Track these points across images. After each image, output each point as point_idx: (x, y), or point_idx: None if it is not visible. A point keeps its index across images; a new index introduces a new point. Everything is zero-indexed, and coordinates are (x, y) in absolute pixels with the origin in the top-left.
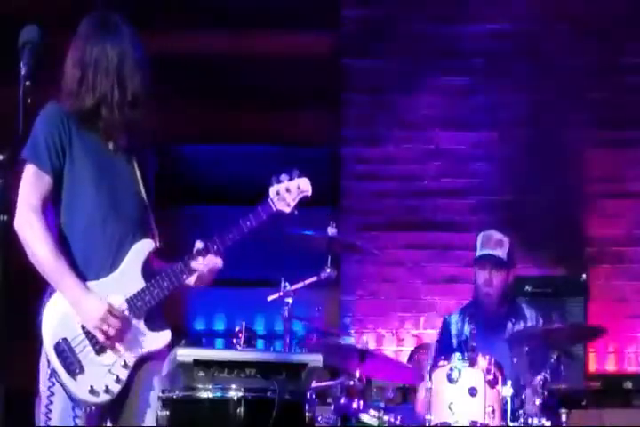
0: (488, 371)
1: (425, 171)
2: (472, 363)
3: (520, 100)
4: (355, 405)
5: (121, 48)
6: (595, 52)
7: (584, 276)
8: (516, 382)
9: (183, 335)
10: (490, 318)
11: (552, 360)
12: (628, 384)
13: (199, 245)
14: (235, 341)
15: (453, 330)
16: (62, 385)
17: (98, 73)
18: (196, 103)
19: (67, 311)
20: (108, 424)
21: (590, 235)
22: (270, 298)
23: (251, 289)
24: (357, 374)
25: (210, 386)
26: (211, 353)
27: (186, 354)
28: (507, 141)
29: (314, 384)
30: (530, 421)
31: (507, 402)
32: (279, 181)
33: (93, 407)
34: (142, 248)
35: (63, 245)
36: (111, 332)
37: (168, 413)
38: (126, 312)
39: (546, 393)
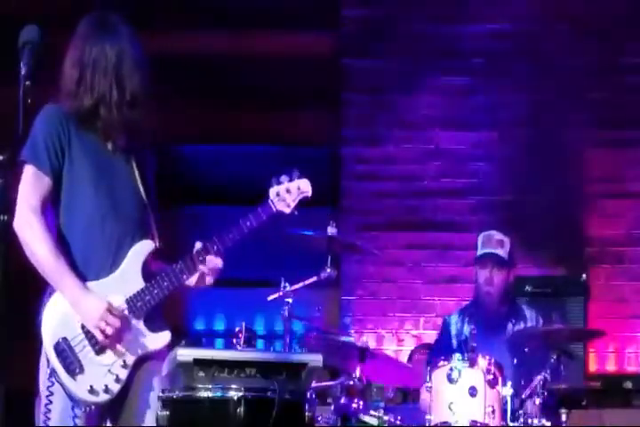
0: (488, 371)
1: (425, 171)
2: (472, 363)
3: (520, 100)
4: (355, 405)
5: (119, 48)
6: (595, 52)
7: (584, 276)
8: (516, 383)
9: (183, 335)
10: (490, 317)
11: (552, 360)
12: (628, 384)
13: (199, 245)
14: (235, 341)
15: (453, 330)
16: (62, 385)
17: (96, 73)
18: (196, 103)
19: (67, 311)
20: (108, 424)
21: (590, 235)
22: (270, 298)
23: (251, 289)
24: (357, 374)
25: (210, 386)
26: (211, 353)
27: (186, 354)
28: (507, 141)
29: (314, 384)
30: (530, 421)
31: (507, 402)
32: (279, 182)
33: (93, 407)
34: (142, 249)
35: (63, 245)
36: (110, 331)
37: (168, 413)
38: (126, 312)
39: (546, 393)
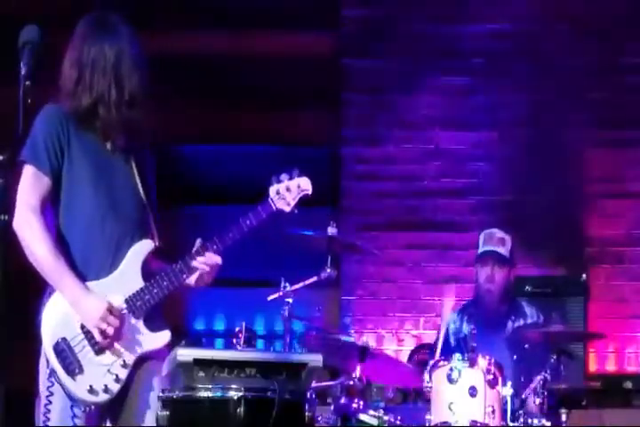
0: (488, 371)
1: (425, 171)
2: (472, 363)
3: (520, 100)
4: (355, 405)
5: (118, 47)
6: (595, 52)
7: (584, 276)
8: (516, 382)
9: (183, 335)
10: (490, 316)
11: (552, 360)
12: (628, 384)
13: (199, 243)
14: (235, 341)
15: (451, 329)
16: (61, 385)
17: (95, 73)
18: (196, 103)
19: (66, 311)
20: (108, 424)
21: (590, 235)
22: (270, 298)
23: (251, 289)
24: (357, 374)
25: (210, 386)
26: (211, 353)
27: (186, 354)
28: (507, 141)
29: (314, 384)
30: (530, 421)
31: (507, 402)
32: (279, 181)
33: (92, 407)
34: (141, 248)
35: (62, 245)
36: (110, 331)
37: (168, 413)
38: (125, 312)
39: (546, 393)
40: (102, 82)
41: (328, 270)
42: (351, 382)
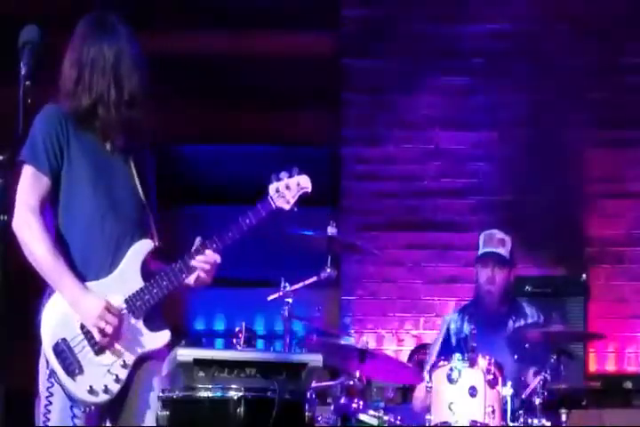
0: (488, 371)
1: (425, 171)
2: (472, 363)
3: (520, 100)
4: (355, 405)
5: (118, 48)
6: (595, 52)
7: (584, 276)
8: (516, 380)
9: (183, 335)
10: (490, 316)
11: (552, 360)
12: (628, 384)
13: (199, 242)
14: (235, 341)
15: (452, 329)
16: (61, 385)
17: (94, 73)
18: (196, 103)
19: (66, 311)
20: (108, 424)
21: (590, 235)
22: (270, 298)
23: (251, 289)
24: (357, 374)
25: (210, 386)
26: (211, 353)
27: (186, 354)
28: (507, 141)
29: (314, 384)
30: (530, 421)
31: (507, 402)
32: (279, 179)
33: (92, 407)
34: (141, 248)
35: (62, 245)
36: (109, 329)
37: (168, 413)
38: (125, 312)
39: (546, 393)
40: (102, 82)
41: (328, 270)
42: (351, 382)
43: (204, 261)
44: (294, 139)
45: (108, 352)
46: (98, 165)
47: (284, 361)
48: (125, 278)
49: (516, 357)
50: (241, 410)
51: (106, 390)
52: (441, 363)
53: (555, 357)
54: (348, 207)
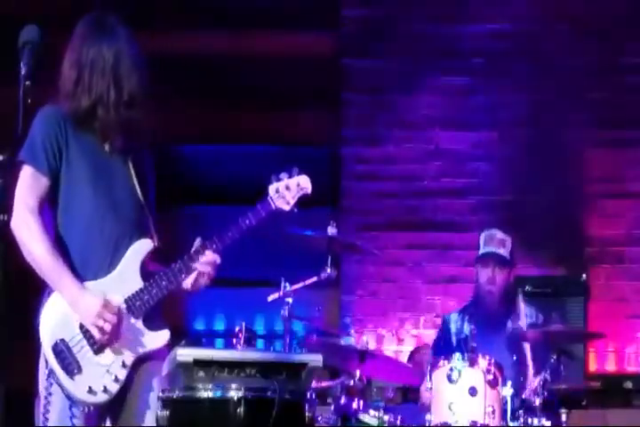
0: (488, 371)
1: (425, 171)
2: (472, 363)
3: (520, 100)
4: (355, 405)
5: (117, 48)
6: (595, 52)
7: (584, 276)
8: (516, 380)
9: (183, 335)
10: (490, 316)
11: (552, 360)
12: (628, 384)
13: (199, 243)
14: (235, 341)
15: (453, 328)
16: (60, 385)
17: (94, 74)
18: (196, 103)
19: (65, 311)
20: (108, 424)
21: (590, 235)
22: (270, 298)
23: (251, 289)
24: (357, 374)
25: (210, 386)
26: (211, 353)
27: (186, 354)
28: (507, 141)
29: (314, 384)
30: (530, 421)
31: (507, 402)
32: (278, 179)
33: (91, 407)
34: (140, 248)
35: (61, 245)
36: (107, 327)
37: (168, 413)
38: (124, 311)
39: (546, 393)
40: (101, 83)
41: (328, 270)
42: (351, 382)
43: (205, 262)
44: (294, 139)
45: (107, 352)
46: (97, 165)
47: (284, 361)
48: (125, 279)
49: (514, 357)
50: (241, 410)
51: (105, 390)
52: (441, 363)
53: (555, 357)
54: (348, 207)
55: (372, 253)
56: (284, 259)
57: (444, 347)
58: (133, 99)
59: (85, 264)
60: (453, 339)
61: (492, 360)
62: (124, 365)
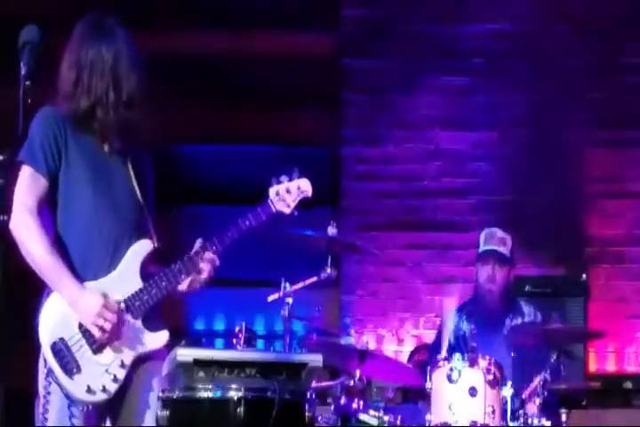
0: (488, 371)
1: (425, 171)
2: (472, 363)
3: (520, 100)
4: (355, 405)
5: (116, 49)
6: (595, 52)
7: (584, 276)
8: (515, 380)
9: (183, 335)
10: (489, 315)
11: (552, 360)
12: (628, 384)
13: (199, 244)
14: (235, 341)
15: (450, 326)
16: (59, 385)
17: (93, 75)
18: (196, 103)
19: (64, 311)
20: (108, 424)
21: (590, 235)
22: (270, 298)
23: (251, 289)
24: (357, 374)
25: (210, 386)
26: (211, 353)
27: (186, 354)
28: (507, 141)
29: (314, 384)
30: (530, 421)
31: (507, 402)
32: (279, 182)
33: (90, 407)
34: (140, 249)
35: (61, 246)
36: (107, 326)
37: (168, 413)
38: (124, 312)
39: (546, 393)
40: (100, 84)
41: (328, 270)
42: (351, 382)
43: (207, 261)
44: (294, 139)
45: (106, 352)
46: (96, 166)
47: (284, 361)
48: (124, 279)
49: (513, 354)
50: (241, 410)
51: (104, 390)
52: (441, 363)
53: (555, 357)
54: (348, 207)
55: (371, 253)
56: (284, 259)
57: (441, 345)
58: (132, 99)
59: (85, 264)
60: (451, 336)
61: (492, 360)
62: (122, 364)
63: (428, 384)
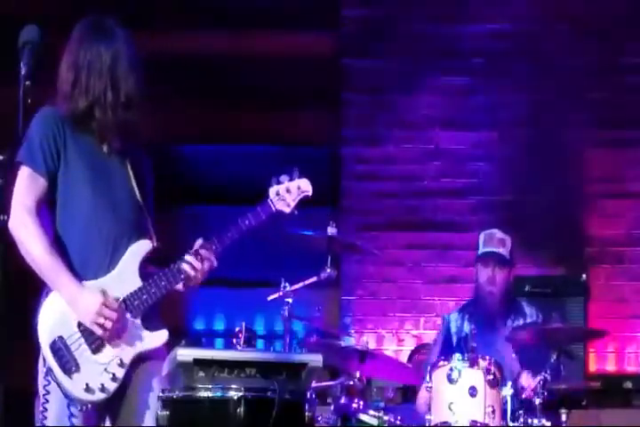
0: (488, 371)
1: (425, 171)
2: (472, 363)
3: (520, 100)
4: (355, 405)
5: (115, 50)
6: (595, 52)
7: (584, 276)
8: (515, 382)
9: (183, 335)
10: (490, 316)
11: (552, 360)
12: (628, 384)
13: (199, 243)
14: (235, 341)
15: (453, 328)
16: (58, 384)
17: (91, 75)
18: (196, 103)
19: (63, 310)
20: (108, 424)
21: (590, 235)
22: (270, 298)
23: (251, 289)
24: (357, 374)
25: (210, 386)
26: (211, 353)
27: (186, 354)
28: (507, 141)
29: (314, 384)
30: (530, 421)
31: (507, 402)
32: (279, 182)
33: (89, 406)
34: (139, 249)
35: (60, 245)
36: (108, 324)
37: (168, 413)
38: (123, 311)
39: (546, 393)
40: (98, 84)
41: (328, 270)
42: (351, 382)
43: (203, 260)
44: (294, 139)
45: (105, 351)
46: (95, 166)
47: (284, 361)
48: (123, 278)
49: (513, 355)
50: (241, 410)
51: (102, 389)
52: (441, 363)
53: (555, 357)
54: (348, 207)
55: (372, 253)
56: (284, 259)
57: (444, 347)
58: (130, 100)
59: (85, 264)
60: (453, 338)
61: (492, 360)
62: (121, 363)
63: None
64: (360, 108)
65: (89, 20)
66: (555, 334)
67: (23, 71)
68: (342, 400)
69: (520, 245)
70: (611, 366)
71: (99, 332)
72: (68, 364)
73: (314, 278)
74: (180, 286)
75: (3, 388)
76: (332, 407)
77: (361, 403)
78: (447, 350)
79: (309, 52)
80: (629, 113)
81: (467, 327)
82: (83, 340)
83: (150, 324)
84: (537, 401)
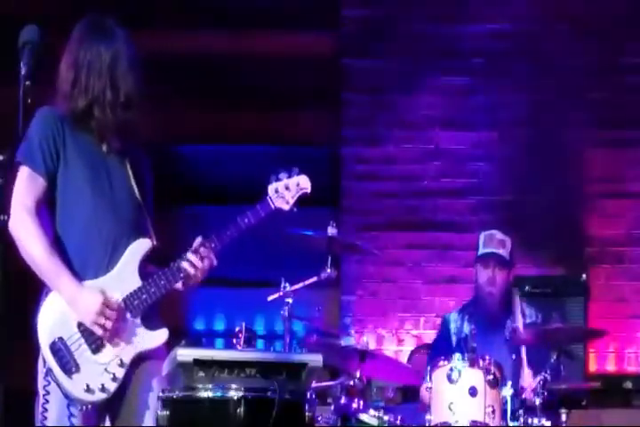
0: (488, 371)
1: (425, 171)
2: (472, 363)
3: (520, 100)
4: (355, 405)
5: (114, 50)
6: (595, 52)
7: (584, 276)
8: (514, 382)
9: (183, 335)
10: (490, 316)
11: (552, 360)
12: (628, 384)
13: (198, 242)
14: (235, 341)
15: (452, 328)
16: (58, 384)
17: (91, 75)
18: (196, 103)
19: (63, 310)
20: (108, 424)
21: (590, 235)
22: (270, 298)
23: (251, 289)
24: (357, 374)
25: (210, 386)
26: (211, 353)
27: (186, 354)
28: (507, 141)
29: (314, 384)
30: (530, 421)
31: (507, 402)
32: (278, 179)
33: (89, 406)
34: (139, 248)
35: (60, 245)
36: (109, 325)
37: (168, 413)
38: (123, 310)
39: (546, 393)
40: (98, 84)
41: (328, 270)
42: (351, 382)
43: (202, 259)
44: (294, 139)
45: (105, 351)
46: (94, 165)
47: (284, 361)
48: (123, 278)
49: (514, 356)
50: (241, 410)
51: (102, 389)
52: (441, 363)
53: (555, 357)
54: (348, 207)
55: (372, 253)
56: (284, 259)
57: (444, 347)
58: (130, 100)
59: (84, 264)
60: (453, 338)
61: (492, 360)
62: (121, 363)
63: (427, 384)
64: (360, 108)
65: (89, 20)
66: (555, 334)
67: (23, 71)
68: (342, 400)
69: (520, 245)
70: (611, 366)
71: (99, 332)
72: (68, 364)
73: (314, 278)
74: (179, 286)
75: (3, 388)
76: (332, 407)
77: (361, 403)
78: (447, 350)
79: (309, 52)
80: (629, 113)
81: (466, 328)
82: (83, 340)
83: (150, 323)
84: (537, 401)
